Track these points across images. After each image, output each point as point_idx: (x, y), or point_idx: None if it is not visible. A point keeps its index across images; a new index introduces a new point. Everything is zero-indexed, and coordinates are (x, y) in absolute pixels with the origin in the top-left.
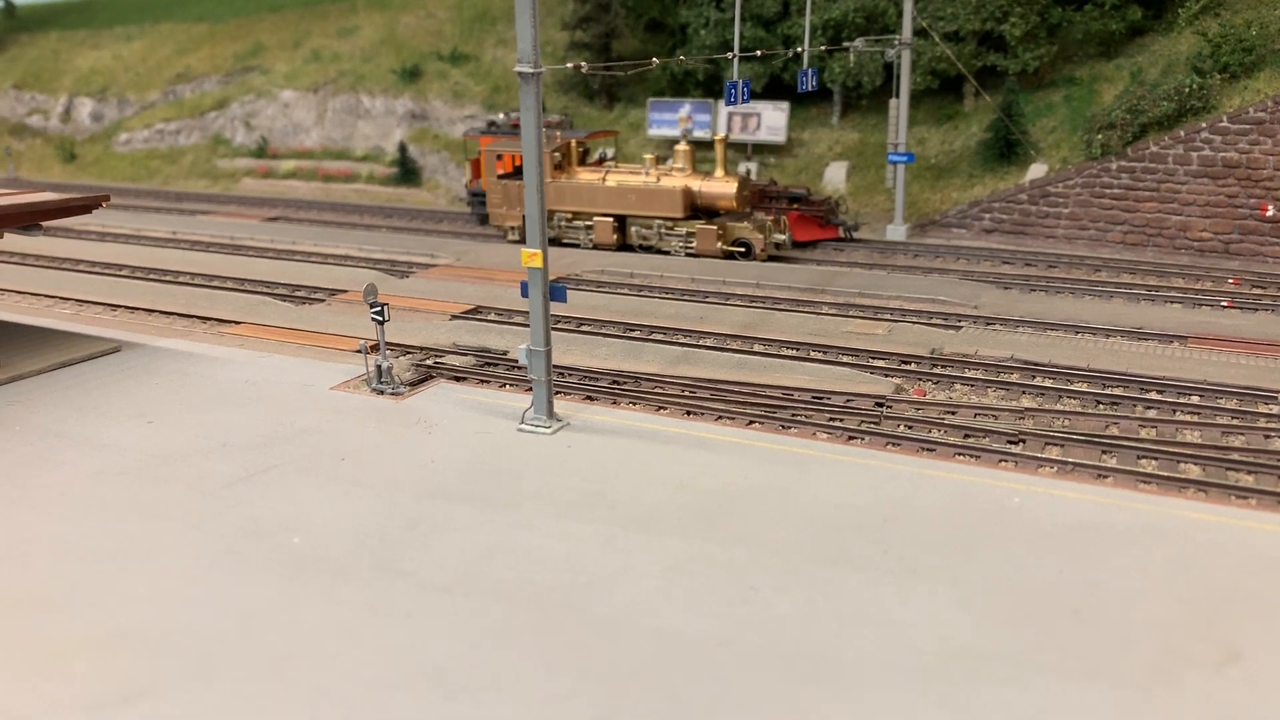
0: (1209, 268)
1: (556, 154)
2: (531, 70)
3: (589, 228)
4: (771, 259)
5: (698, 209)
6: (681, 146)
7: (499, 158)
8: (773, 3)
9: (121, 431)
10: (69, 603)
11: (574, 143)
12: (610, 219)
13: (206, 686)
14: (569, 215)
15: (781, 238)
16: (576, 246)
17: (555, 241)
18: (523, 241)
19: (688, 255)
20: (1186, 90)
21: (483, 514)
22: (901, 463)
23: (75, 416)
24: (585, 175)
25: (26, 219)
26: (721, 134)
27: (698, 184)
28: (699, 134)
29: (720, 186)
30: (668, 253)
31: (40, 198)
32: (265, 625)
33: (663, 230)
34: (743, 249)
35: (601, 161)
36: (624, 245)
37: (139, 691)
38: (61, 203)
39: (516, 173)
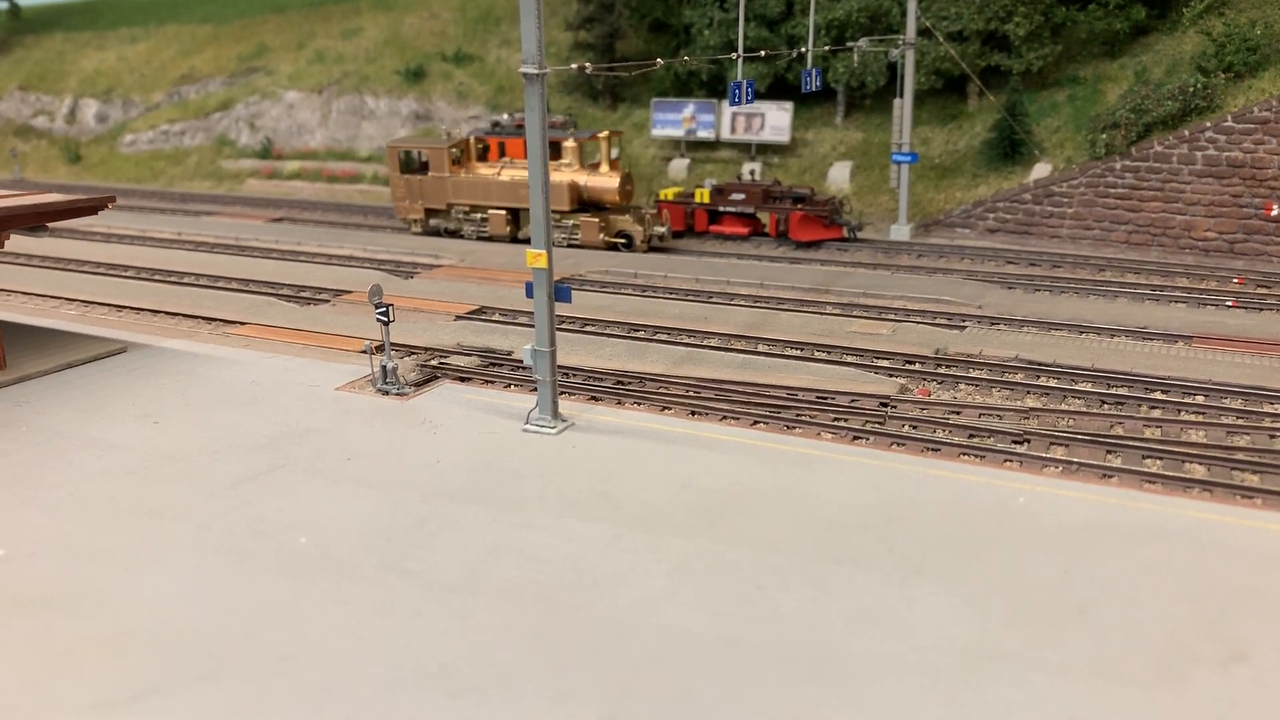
0: (1213, 267)
1: (454, 150)
2: (536, 71)
3: (484, 220)
4: (652, 250)
5: (584, 202)
6: (569, 143)
7: (404, 155)
8: (776, 3)
9: (127, 432)
10: (76, 602)
11: (472, 139)
12: (504, 212)
13: (214, 685)
14: (466, 208)
15: (661, 230)
16: (463, 238)
17: (454, 234)
18: (426, 233)
19: (570, 245)
20: (1191, 90)
21: (488, 513)
22: (906, 462)
23: (81, 417)
24: (482, 170)
25: (33, 220)
26: (604, 133)
27: (584, 179)
28: (702, 134)
29: (604, 181)
30: (559, 245)
31: (46, 199)
32: (272, 624)
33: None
34: (624, 240)
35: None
36: (516, 238)
37: (147, 690)
38: (67, 204)
39: (421, 169)
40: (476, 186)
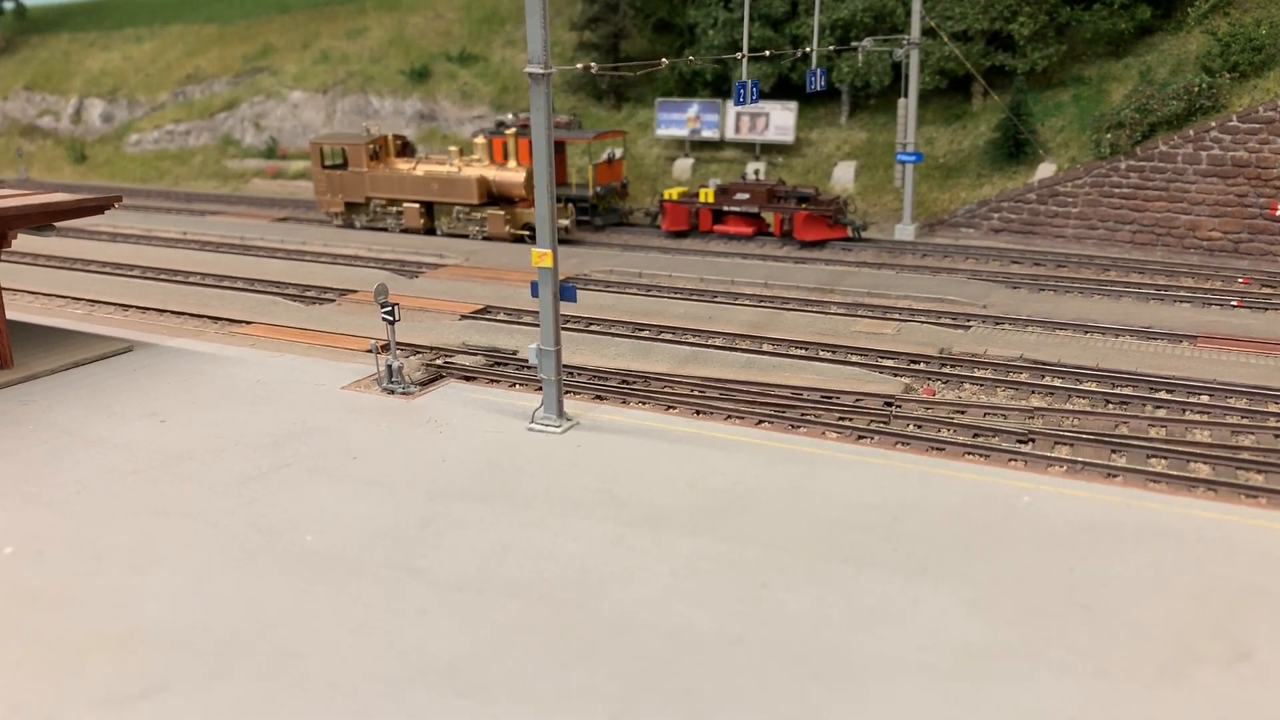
0: (1218, 267)
1: (372, 146)
2: (542, 71)
3: (400, 213)
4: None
5: (493, 196)
6: (479, 140)
7: (325, 151)
8: (781, 3)
9: (134, 430)
10: (85, 600)
11: (391, 136)
12: (418, 205)
13: (222, 683)
14: (384, 202)
15: (564, 223)
16: (388, 230)
17: (372, 226)
18: (346, 226)
19: (484, 239)
20: (1196, 89)
21: (494, 512)
22: (911, 462)
23: (88, 416)
24: (399, 165)
25: (40, 219)
26: (511, 130)
27: (492, 173)
28: (707, 134)
29: (511, 176)
30: (468, 235)
31: (53, 198)
32: (279, 622)
33: (461, 215)
34: (530, 232)
35: (610, 162)
36: (430, 230)
37: (156, 688)
38: (74, 203)
39: (341, 164)
40: (392, 181)
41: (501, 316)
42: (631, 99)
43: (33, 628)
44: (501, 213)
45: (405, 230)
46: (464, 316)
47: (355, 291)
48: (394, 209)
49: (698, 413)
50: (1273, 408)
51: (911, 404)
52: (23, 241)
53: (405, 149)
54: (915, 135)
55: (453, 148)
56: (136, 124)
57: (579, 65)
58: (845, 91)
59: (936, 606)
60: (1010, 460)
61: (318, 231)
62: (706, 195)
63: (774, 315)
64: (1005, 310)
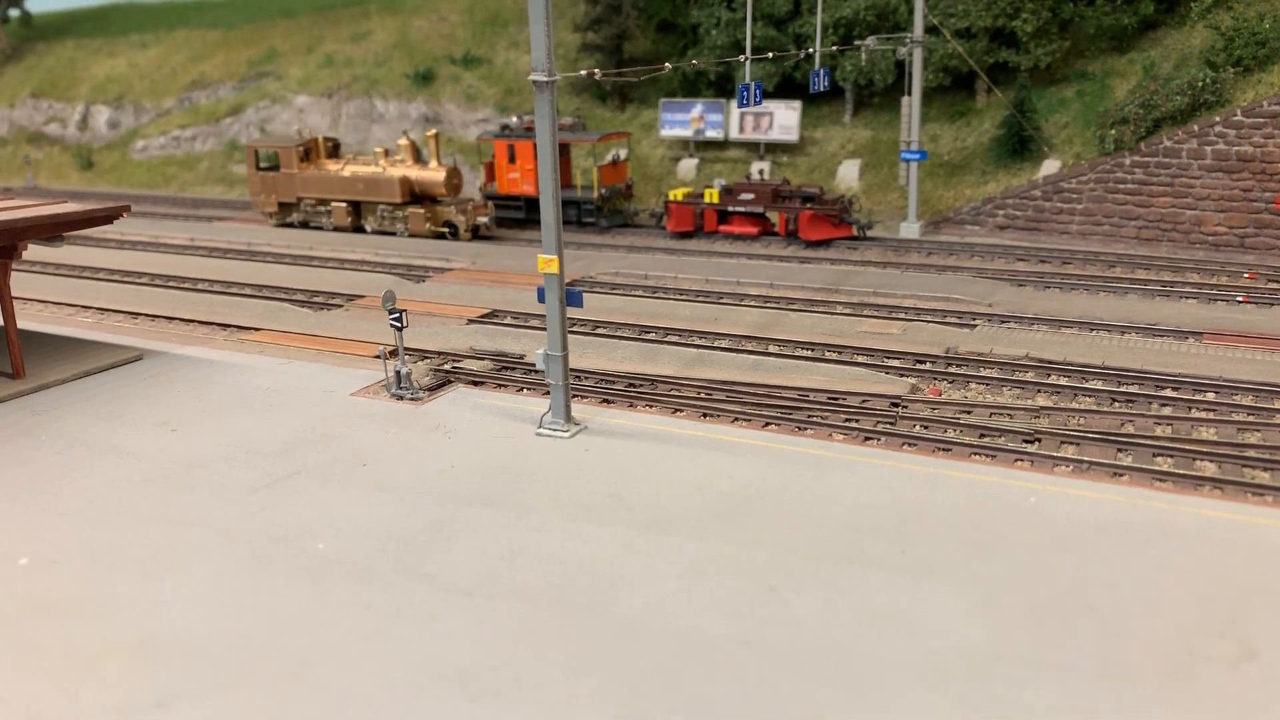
0: (1224, 262)
1: (302, 149)
2: (546, 79)
3: (329, 212)
4: (477, 238)
5: (416, 195)
6: (403, 141)
7: (258, 153)
8: (784, 2)
9: (146, 439)
10: (100, 608)
11: (321, 138)
12: (345, 204)
13: (236, 690)
14: (314, 201)
15: (483, 220)
16: (322, 229)
17: (304, 225)
18: (281, 225)
19: (409, 236)
20: (1200, 84)
21: (503, 517)
22: (918, 463)
23: (100, 425)
24: (328, 166)
25: (50, 230)
26: (432, 131)
27: (415, 173)
28: (711, 134)
29: (432, 175)
30: (393, 233)
31: (63, 209)
32: (292, 629)
33: (385, 214)
34: (450, 229)
35: (615, 164)
36: (359, 228)
37: (171, 695)
38: (84, 214)
39: (273, 166)
40: (322, 181)
41: (508, 320)
42: (635, 100)
43: (49, 637)
44: (423, 211)
45: (335, 229)
46: (471, 321)
47: (363, 296)
48: (323, 208)
49: (705, 415)
50: (1279, 404)
51: (918, 404)
52: (32, 250)
53: (335, 151)
54: (919, 133)
55: (378, 149)
56: (143, 130)
57: (583, 71)
58: (849, 90)
59: (944, 608)
60: (1017, 460)
61: (324, 237)
62: (711, 196)
63: (780, 316)
64: (1011, 309)
